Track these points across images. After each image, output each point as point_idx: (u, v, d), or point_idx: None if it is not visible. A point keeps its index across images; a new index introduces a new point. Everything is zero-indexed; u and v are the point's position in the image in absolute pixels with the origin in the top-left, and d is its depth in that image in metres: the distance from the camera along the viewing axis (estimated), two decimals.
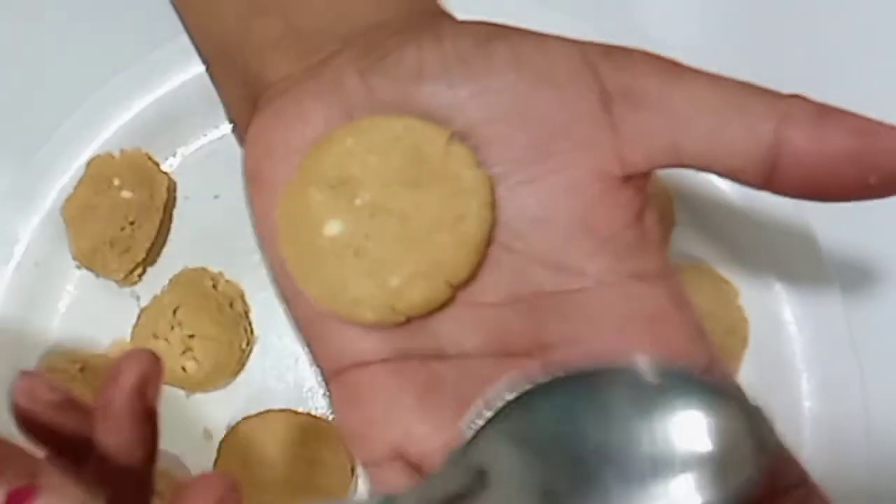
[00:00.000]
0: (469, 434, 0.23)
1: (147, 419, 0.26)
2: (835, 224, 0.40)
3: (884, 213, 0.39)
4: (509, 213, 0.24)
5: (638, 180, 0.25)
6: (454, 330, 0.25)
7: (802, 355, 0.40)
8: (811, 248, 0.40)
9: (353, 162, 0.25)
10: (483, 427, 0.23)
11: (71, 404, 0.26)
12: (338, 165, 0.25)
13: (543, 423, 0.23)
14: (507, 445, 0.23)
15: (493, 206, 0.24)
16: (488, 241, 0.25)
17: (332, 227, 0.25)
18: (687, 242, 0.42)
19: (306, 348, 0.26)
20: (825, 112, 0.23)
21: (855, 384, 0.39)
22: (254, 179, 0.26)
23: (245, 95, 0.27)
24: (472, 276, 0.25)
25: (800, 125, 0.23)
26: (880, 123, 0.23)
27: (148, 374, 0.25)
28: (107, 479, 0.25)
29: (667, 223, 0.42)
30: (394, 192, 0.24)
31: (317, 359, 0.26)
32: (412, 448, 0.25)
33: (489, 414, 0.23)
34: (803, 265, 0.40)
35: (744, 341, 0.40)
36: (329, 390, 0.26)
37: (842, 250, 0.41)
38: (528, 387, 0.23)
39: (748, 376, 0.40)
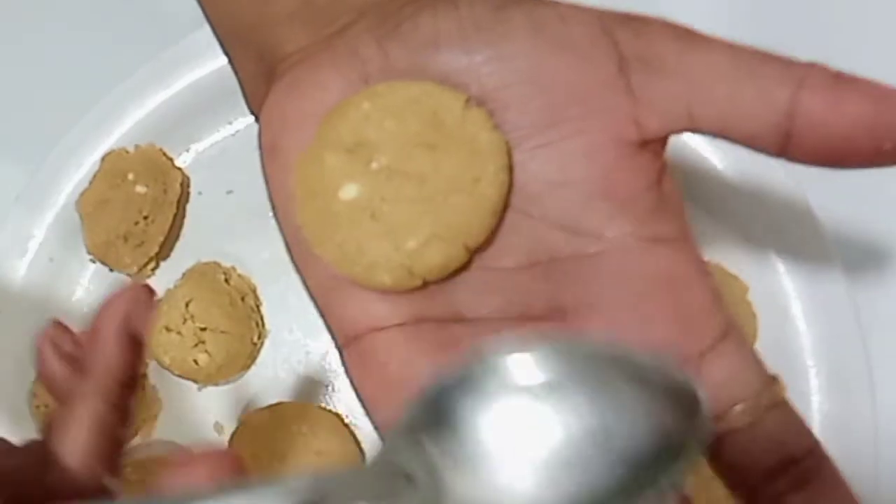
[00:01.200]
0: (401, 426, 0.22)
1: (132, 344, 0.27)
2: (845, 220, 0.41)
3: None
4: (525, 178, 0.25)
5: (655, 145, 0.25)
6: (471, 294, 0.25)
7: (811, 351, 0.40)
8: (821, 244, 0.40)
9: (370, 126, 0.24)
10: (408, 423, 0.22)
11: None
12: (354, 130, 0.25)
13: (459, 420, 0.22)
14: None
15: (510, 169, 0.24)
16: (505, 205, 0.24)
17: (349, 191, 0.24)
18: (696, 238, 0.42)
19: (321, 316, 0.26)
20: (841, 78, 0.23)
21: (864, 380, 0.39)
22: (270, 150, 0.26)
23: (261, 71, 0.27)
24: (489, 240, 0.25)
25: (815, 91, 0.23)
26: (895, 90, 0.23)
27: (138, 302, 0.27)
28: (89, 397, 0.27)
29: None
30: (410, 155, 0.24)
31: (331, 326, 0.26)
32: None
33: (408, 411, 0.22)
34: (813, 261, 0.40)
35: (752, 337, 0.41)
36: (344, 357, 0.26)
37: (852, 247, 0.41)
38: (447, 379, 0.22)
39: None
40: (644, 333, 0.25)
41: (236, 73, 0.29)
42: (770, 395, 0.25)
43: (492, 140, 0.24)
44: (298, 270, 0.26)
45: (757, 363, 0.25)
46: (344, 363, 0.26)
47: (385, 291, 0.25)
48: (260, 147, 0.26)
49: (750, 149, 0.24)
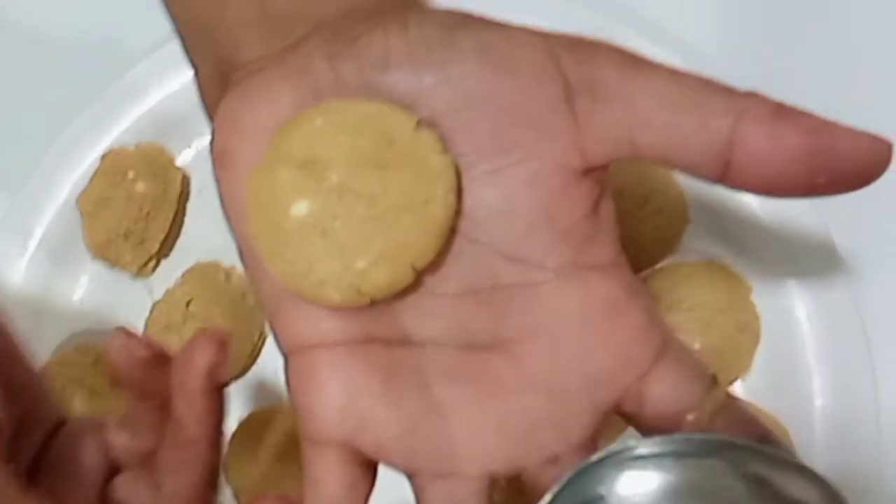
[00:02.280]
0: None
1: (217, 393, 0.28)
2: (849, 221, 0.40)
3: None
4: (471, 204, 0.25)
5: (596, 172, 0.25)
6: (417, 317, 0.26)
7: (815, 352, 0.40)
8: (825, 245, 0.40)
9: (322, 142, 0.25)
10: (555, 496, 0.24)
11: (163, 359, 0.28)
12: (306, 145, 0.25)
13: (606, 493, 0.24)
14: None
15: (458, 191, 0.25)
16: (452, 227, 0.25)
17: (300, 208, 0.25)
18: (700, 239, 0.42)
19: (269, 324, 0.27)
20: (780, 111, 0.23)
21: (867, 382, 0.39)
22: (221, 158, 0.26)
23: (216, 74, 0.28)
24: (435, 262, 0.25)
25: (755, 123, 0.23)
26: (835, 124, 0.23)
27: (218, 357, 0.27)
28: (179, 450, 0.28)
29: (680, 222, 0.42)
30: (362, 174, 0.25)
31: (278, 337, 0.27)
32: (368, 435, 0.26)
33: (560, 484, 0.24)
34: (817, 262, 0.40)
35: (756, 338, 0.41)
36: (287, 368, 0.26)
37: (856, 247, 0.41)
38: (591, 461, 0.24)
39: (760, 373, 0.40)
40: (583, 364, 0.26)
41: (195, 76, 0.29)
42: (712, 400, 0.26)
43: (442, 163, 0.24)
44: (250, 278, 0.27)
45: (697, 372, 0.26)
46: (286, 372, 0.26)
47: (333, 308, 0.25)
48: (211, 152, 0.27)
49: (690, 175, 0.25)
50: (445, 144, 0.25)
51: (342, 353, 0.26)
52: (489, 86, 0.25)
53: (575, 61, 0.25)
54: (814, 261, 0.40)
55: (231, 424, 0.43)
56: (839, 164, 0.23)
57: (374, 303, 0.25)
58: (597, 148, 0.25)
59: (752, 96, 0.24)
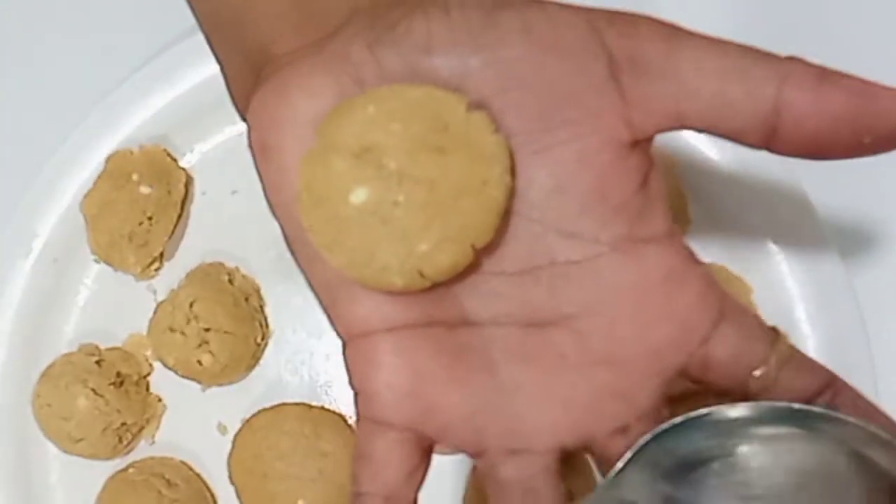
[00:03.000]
0: (618, 467, 0.25)
1: None
2: (850, 222, 0.41)
3: None
4: (524, 183, 0.25)
5: (644, 144, 0.26)
6: (477, 299, 0.26)
7: (816, 354, 0.40)
8: (826, 247, 0.40)
9: (376, 129, 0.25)
10: (630, 461, 0.25)
11: None
12: (360, 133, 0.25)
13: (686, 457, 0.25)
14: (653, 478, 0.25)
15: (513, 171, 0.25)
16: (508, 207, 0.25)
17: (359, 195, 0.25)
18: (701, 241, 0.42)
19: (324, 312, 0.27)
20: (824, 74, 0.24)
21: (869, 383, 0.40)
22: (263, 151, 0.26)
23: (247, 68, 0.28)
24: (494, 242, 0.25)
25: (799, 88, 0.24)
26: (877, 84, 0.24)
27: None
28: None
29: (681, 223, 0.42)
30: (418, 159, 0.25)
31: (336, 323, 0.27)
32: (436, 418, 0.26)
33: (636, 448, 0.25)
34: (818, 263, 0.40)
35: None
36: (347, 353, 0.26)
37: (857, 249, 0.41)
38: (674, 423, 0.25)
39: None
40: (645, 335, 0.26)
41: (223, 70, 0.29)
42: (777, 354, 0.26)
43: (497, 142, 0.25)
44: (302, 268, 0.27)
45: (758, 329, 0.26)
46: (345, 357, 0.26)
47: (394, 293, 0.25)
48: (250, 146, 0.27)
49: (736, 142, 0.25)
50: (497, 124, 0.25)
51: (405, 337, 0.26)
52: (535, 66, 0.25)
53: (617, 35, 0.25)
54: (815, 262, 0.40)
55: (234, 425, 0.44)
56: (883, 124, 0.24)
57: (434, 286, 0.25)
58: (645, 121, 0.25)
59: (794, 61, 0.24)
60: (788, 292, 0.41)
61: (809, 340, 0.40)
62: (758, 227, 0.41)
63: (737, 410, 0.25)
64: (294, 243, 0.27)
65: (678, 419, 0.25)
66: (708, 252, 0.42)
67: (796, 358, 0.26)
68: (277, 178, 0.26)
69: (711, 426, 0.25)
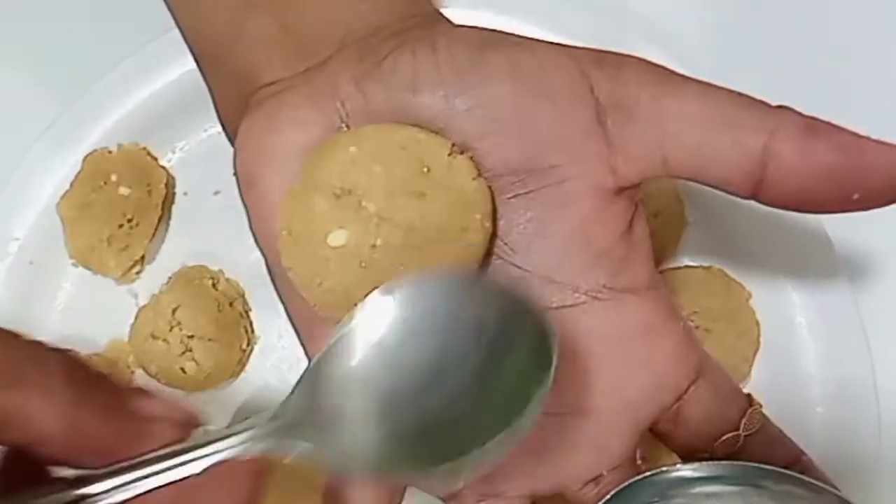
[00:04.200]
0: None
1: None
2: (849, 226, 0.40)
3: None
4: (506, 226, 0.26)
5: (629, 191, 0.25)
6: None
7: (815, 358, 0.40)
8: (824, 251, 0.40)
9: (358, 171, 0.25)
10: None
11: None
12: (342, 174, 0.25)
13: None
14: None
15: (494, 216, 0.25)
16: (488, 251, 0.25)
17: (338, 237, 0.25)
18: (698, 244, 0.42)
19: (302, 346, 0.28)
20: (812, 127, 0.24)
21: (868, 388, 0.40)
22: (249, 183, 0.26)
23: (235, 94, 0.28)
24: None
25: (787, 140, 0.24)
26: (865, 139, 0.23)
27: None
28: None
29: (678, 225, 0.41)
30: (398, 203, 0.25)
31: (312, 358, 0.26)
32: None
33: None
34: (816, 267, 0.40)
35: (756, 344, 0.41)
36: None
37: (856, 253, 0.41)
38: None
39: (760, 379, 0.40)
40: (623, 385, 0.26)
41: (211, 93, 0.29)
42: (750, 422, 0.26)
43: (478, 189, 0.25)
44: (283, 302, 0.27)
45: (734, 393, 0.27)
46: None
47: None
48: (236, 174, 0.26)
49: (722, 191, 0.25)
50: (479, 168, 0.25)
51: None
52: (521, 108, 0.25)
53: (605, 79, 0.25)
54: (814, 267, 0.40)
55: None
56: (871, 181, 0.23)
57: None
58: (629, 167, 0.25)
59: (783, 111, 0.24)
60: (787, 296, 0.41)
61: (809, 347, 0.40)
62: (755, 231, 0.41)
63: (701, 470, 0.25)
64: (275, 276, 0.27)
65: (645, 474, 0.25)
66: (704, 255, 0.42)
67: (767, 429, 0.27)
68: (261, 210, 0.26)
69: (673, 484, 0.25)
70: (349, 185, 0.25)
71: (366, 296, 0.24)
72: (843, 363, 0.39)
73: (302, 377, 0.23)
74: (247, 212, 0.27)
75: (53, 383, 0.21)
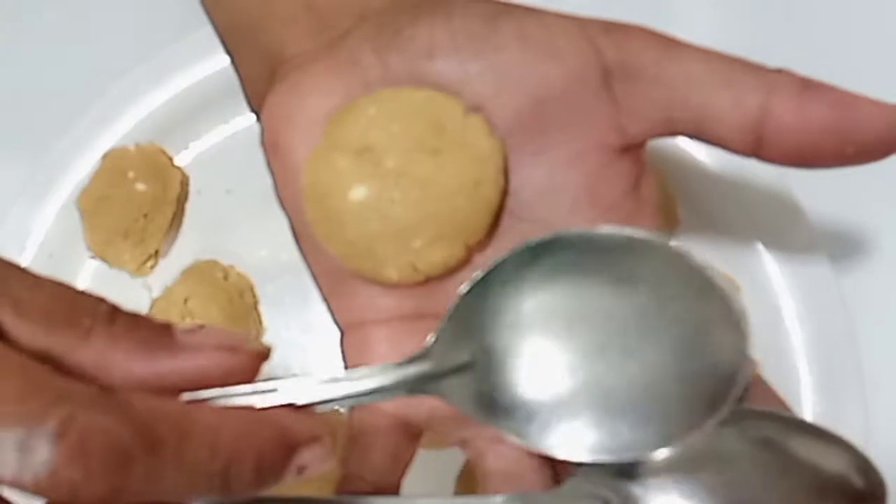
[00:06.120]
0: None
1: None
2: (836, 220, 0.41)
3: (891, 210, 0.40)
4: (517, 183, 0.27)
5: (635, 150, 0.27)
6: None
7: (803, 350, 0.41)
8: (812, 244, 0.41)
9: (377, 130, 0.26)
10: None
11: None
12: (362, 133, 0.26)
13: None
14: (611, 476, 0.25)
15: (506, 172, 0.26)
16: (501, 206, 0.26)
17: (358, 192, 0.26)
18: (689, 241, 0.43)
19: (324, 301, 0.28)
20: (808, 86, 0.25)
21: (856, 381, 0.40)
22: (274, 148, 0.28)
23: (261, 69, 0.29)
24: (486, 240, 0.27)
25: (784, 98, 0.25)
26: (860, 96, 0.25)
27: None
28: None
29: (670, 222, 0.43)
30: (415, 159, 0.26)
31: (334, 312, 0.28)
32: (421, 407, 0.27)
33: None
34: (804, 261, 0.41)
35: None
36: (343, 342, 0.27)
37: (843, 246, 0.42)
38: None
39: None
40: None
41: (237, 71, 0.30)
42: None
43: (491, 145, 0.26)
44: (305, 259, 0.28)
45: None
46: (342, 346, 0.27)
47: (389, 286, 0.26)
48: (263, 144, 0.28)
49: (723, 149, 0.26)
50: (492, 127, 0.26)
51: (397, 328, 0.27)
52: (531, 72, 0.26)
53: (611, 44, 0.26)
54: (802, 260, 0.41)
55: None
56: (865, 135, 0.25)
57: (427, 280, 0.27)
58: (635, 127, 0.26)
59: (780, 73, 0.25)
60: (776, 292, 0.42)
61: (797, 339, 0.41)
62: (746, 228, 0.42)
63: None
64: (299, 235, 0.28)
65: None
66: (696, 252, 0.43)
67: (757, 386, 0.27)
68: (286, 174, 0.28)
69: None
70: (368, 144, 0.26)
71: (387, 247, 0.26)
72: (831, 353, 0.40)
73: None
74: (273, 178, 0.28)
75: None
